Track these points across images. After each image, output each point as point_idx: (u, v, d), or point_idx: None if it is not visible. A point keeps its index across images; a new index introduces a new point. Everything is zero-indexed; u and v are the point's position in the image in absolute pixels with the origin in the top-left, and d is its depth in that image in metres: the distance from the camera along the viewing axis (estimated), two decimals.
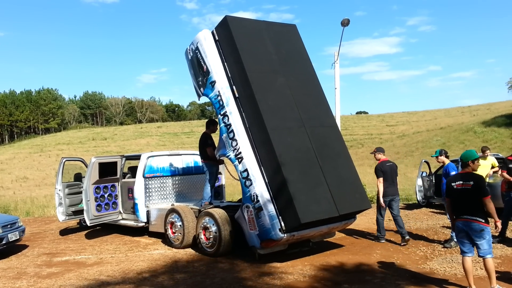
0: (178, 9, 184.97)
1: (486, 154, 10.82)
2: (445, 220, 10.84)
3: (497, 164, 10.77)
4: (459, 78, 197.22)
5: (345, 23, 13.95)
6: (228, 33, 7.94)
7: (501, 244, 8.18)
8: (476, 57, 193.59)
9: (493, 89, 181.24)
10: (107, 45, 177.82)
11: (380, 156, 8.85)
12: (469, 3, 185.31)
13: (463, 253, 5.64)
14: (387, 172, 8.63)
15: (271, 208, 7.13)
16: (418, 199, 14.04)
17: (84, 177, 10.35)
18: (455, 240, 8.04)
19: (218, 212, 8.08)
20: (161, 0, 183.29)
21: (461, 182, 5.63)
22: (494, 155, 12.04)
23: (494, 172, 10.73)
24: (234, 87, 7.84)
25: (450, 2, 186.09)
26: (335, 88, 15.27)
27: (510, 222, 8.78)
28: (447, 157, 8.60)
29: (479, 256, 5.55)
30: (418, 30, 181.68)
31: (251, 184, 7.38)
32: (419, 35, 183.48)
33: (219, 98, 7.94)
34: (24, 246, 9.81)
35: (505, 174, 8.37)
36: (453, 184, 5.72)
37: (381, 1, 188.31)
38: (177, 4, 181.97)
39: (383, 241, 8.83)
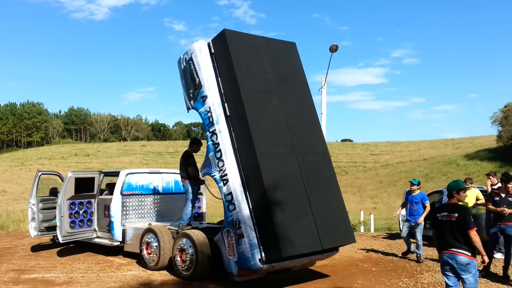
0: (167, 30, 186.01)
1: (469, 186, 10.70)
2: (428, 251, 10.67)
3: (481, 196, 10.66)
4: (442, 111, 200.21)
5: (333, 49, 13.95)
6: (225, 47, 7.57)
7: (485, 279, 7.98)
8: (458, 91, 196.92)
9: (476, 123, 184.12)
10: (94, 62, 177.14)
11: None
12: (451, 39, 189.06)
13: (448, 287, 5.43)
14: None
15: (252, 236, 6.83)
16: (401, 229, 13.84)
17: (59, 192, 9.98)
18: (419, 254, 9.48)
19: (197, 234, 7.78)
20: (149, 21, 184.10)
21: (446, 213, 5.46)
22: (478, 187, 11.95)
23: (478, 205, 10.62)
24: (226, 104, 7.49)
25: (433, 37, 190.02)
26: (321, 113, 15.25)
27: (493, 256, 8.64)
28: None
29: None
30: (403, 63, 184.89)
31: (235, 208, 7.07)
32: (403, 67, 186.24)
33: (209, 114, 7.59)
34: None
35: (490, 206, 8.26)
36: (438, 215, 5.55)
37: (366, 33, 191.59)
38: (166, 26, 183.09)
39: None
